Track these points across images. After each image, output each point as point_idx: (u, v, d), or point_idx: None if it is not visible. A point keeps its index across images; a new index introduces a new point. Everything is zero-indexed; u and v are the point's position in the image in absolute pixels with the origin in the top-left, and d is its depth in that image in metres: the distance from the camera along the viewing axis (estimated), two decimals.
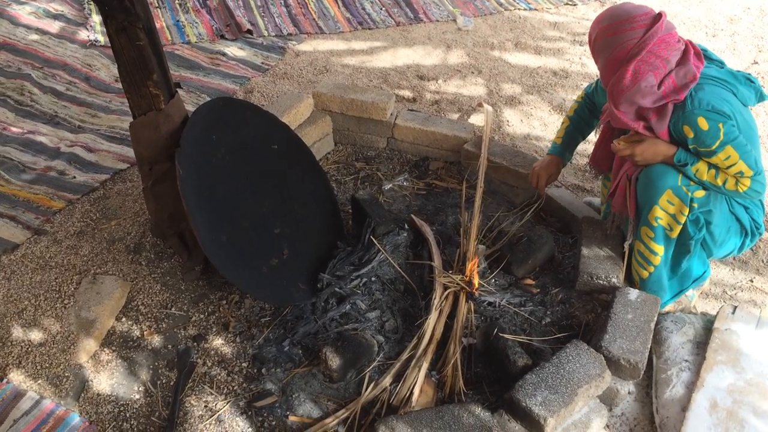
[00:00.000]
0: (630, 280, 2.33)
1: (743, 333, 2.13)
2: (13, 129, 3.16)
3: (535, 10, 4.85)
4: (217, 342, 2.20)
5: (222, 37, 4.23)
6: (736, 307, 2.21)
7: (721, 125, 1.90)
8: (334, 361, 2.01)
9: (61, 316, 2.19)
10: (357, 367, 2.09)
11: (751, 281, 2.53)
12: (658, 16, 1.94)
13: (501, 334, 2.06)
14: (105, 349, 2.14)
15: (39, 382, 1.99)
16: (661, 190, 2.06)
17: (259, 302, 2.33)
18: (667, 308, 2.32)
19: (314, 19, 4.52)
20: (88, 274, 2.36)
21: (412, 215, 2.62)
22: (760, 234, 2.20)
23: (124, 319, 2.24)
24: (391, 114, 3.09)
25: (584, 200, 2.85)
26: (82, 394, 2.01)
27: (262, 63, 3.93)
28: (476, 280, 2.30)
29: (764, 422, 1.87)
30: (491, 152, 2.84)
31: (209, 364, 2.13)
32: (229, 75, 3.77)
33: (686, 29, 4.60)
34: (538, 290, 2.38)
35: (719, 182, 1.98)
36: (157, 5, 4.53)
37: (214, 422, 1.95)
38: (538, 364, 1.94)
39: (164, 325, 2.24)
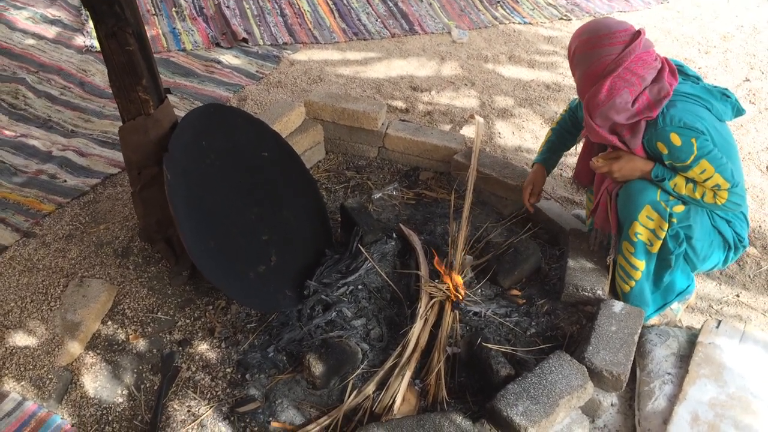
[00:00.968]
0: (615, 293, 2.35)
1: (727, 347, 2.13)
2: (6, 132, 3.17)
3: (530, 24, 4.89)
4: (202, 347, 2.20)
5: (217, 45, 4.26)
6: (720, 322, 2.22)
7: (693, 140, 1.92)
8: (318, 368, 2.01)
9: (46, 319, 2.19)
10: (341, 375, 2.09)
11: (737, 296, 2.55)
12: (637, 34, 1.97)
13: (484, 344, 2.06)
14: (89, 353, 2.14)
15: (22, 383, 1.99)
16: (640, 206, 2.08)
17: (246, 308, 2.33)
18: (651, 321, 2.34)
19: (310, 29, 4.56)
20: (76, 277, 2.37)
21: (400, 224, 2.63)
22: (744, 247, 2.22)
23: (109, 323, 2.24)
24: (383, 124, 3.11)
25: (572, 213, 2.86)
26: (65, 397, 2.01)
27: (257, 71, 3.95)
28: (461, 288, 2.30)
29: None
30: (481, 163, 2.86)
31: (193, 369, 2.13)
32: (224, 83, 3.80)
33: (679, 46, 4.64)
34: (524, 301, 2.39)
35: (697, 196, 2.00)
36: (153, 12, 4.56)
37: (196, 427, 1.95)
38: (521, 374, 1.95)
39: (150, 330, 2.24)
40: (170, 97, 2.26)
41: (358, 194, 2.96)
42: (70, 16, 4.45)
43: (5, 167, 2.92)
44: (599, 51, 1.95)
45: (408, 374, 2.04)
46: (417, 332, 2.16)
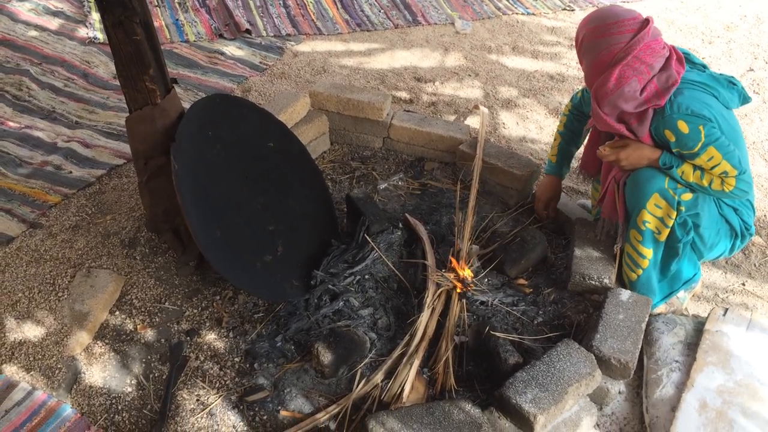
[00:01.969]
0: (622, 282, 2.35)
1: (734, 335, 2.14)
2: (11, 123, 3.17)
3: (533, 14, 4.87)
4: (210, 337, 2.20)
5: (221, 36, 4.25)
6: (727, 309, 2.23)
7: (701, 127, 1.92)
8: (326, 357, 2.01)
9: (54, 309, 2.19)
10: (349, 364, 2.10)
11: (743, 285, 2.55)
12: (646, 22, 1.96)
13: (492, 333, 2.07)
14: (98, 342, 2.14)
15: (32, 373, 2.00)
16: (648, 194, 2.08)
17: (253, 298, 2.34)
18: (658, 310, 2.34)
19: (313, 20, 4.54)
20: (83, 267, 2.37)
21: (406, 214, 2.63)
22: (751, 235, 2.22)
23: (117, 313, 2.24)
24: (388, 114, 3.11)
25: (578, 202, 2.86)
26: (75, 386, 2.01)
27: (260, 63, 3.94)
28: (467, 272, 2.30)
29: (753, 423, 1.88)
30: (486, 153, 2.85)
31: (202, 359, 2.13)
32: (227, 74, 3.79)
33: (683, 36, 4.63)
34: (531, 290, 2.40)
35: (705, 183, 2.00)
36: (156, 4, 4.54)
37: (205, 416, 1.96)
38: (529, 363, 1.95)
39: (157, 320, 2.24)
40: (174, 87, 2.26)
41: (363, 185, 2.96)
42: (73, 7, 4.43)
43: (10, 158, 2.92)
44: (608, 39, 1.95)
45: (416, 363, 2.04)
46: (424, 321, 2.17)
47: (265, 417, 1.95)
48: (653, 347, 2.15)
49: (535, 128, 3.53)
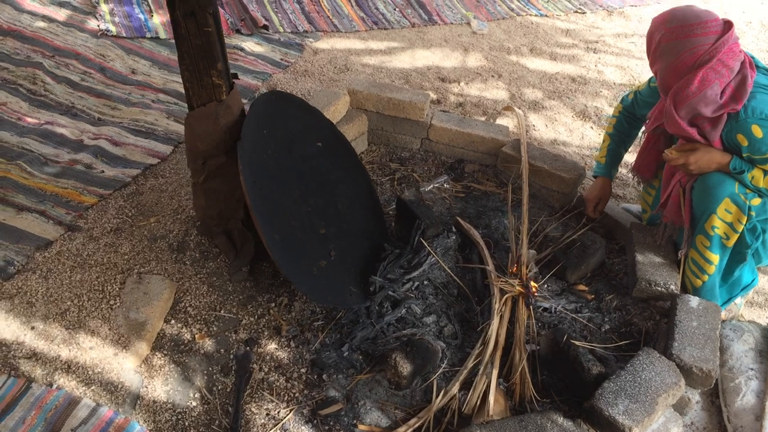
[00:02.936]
0: (684, 288, 2.32)
1: None
2: (29, 119, 3.00)
3: (546, 16, 4.86)
4: (271, 346, 2.11)
5: (237, 31, 4.12)
6: None
7: None
8: (405, 368, 1.94)
9: (108, 318, 2.07)
10: (423, 374, 2.03)
11: None
12: (730, 24, 1.94)
13: (573, 341, 2.02)
14: (157, 353, 2.03)
15: (92, 388, 1.87)
16: (719, 199, 2.05)
17: (310, 305, 2.25)
18: None
19: (329, 17, 4.44)
20: (132, 273, 2.24)
21: (458, 218, 2.57)
22: None
23: (173, 322, 2.13)
24: (427, 115, 3.04)
25: (621, 206, 2.84)
26: (138, 401, 1.90)
27: (281, 59, 3.83)
28: (534, 284, 2.26)
29: None
30: (530, 156, 2.81)
31: (266, 370, 2.04)
32: (250, 70, 3.67)
33: None
34: (593, 296, 2.36)
35: None
36: None
37: (278, 431, 1.86)
38: (614, 372, 1.91)
39: (215, 328, 2.14)
40: (235, 82, 2.15)
41: (405, 186, 2.89)
42: None
43: (34, 156, 2.75)
44: (692, 41, 1.91)
45: (495, 373, 1.98)
46: (495, 329, 2.11)
47: (341, 431, 1.87)
48: (725, 355, 2.13)
49: (564, 131, 3.50)
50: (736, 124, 1.96)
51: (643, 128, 2.47)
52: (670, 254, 2.35)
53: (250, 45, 3.94)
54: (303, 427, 1.88)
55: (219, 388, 1.98)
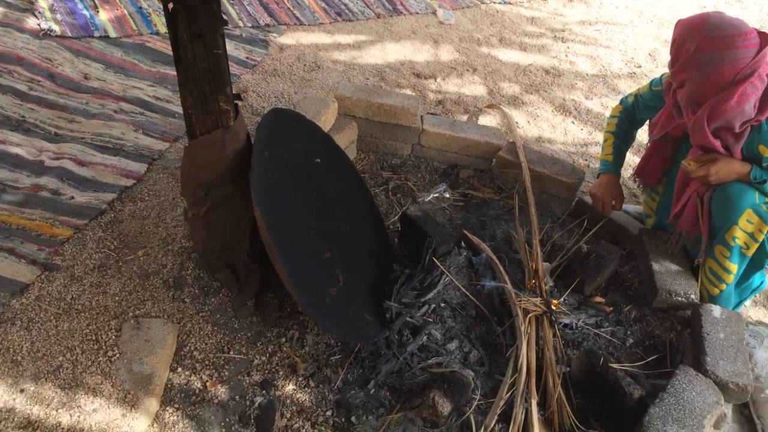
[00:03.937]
0: (700, 297, 2.31)
1: None
2: None
3: (510, 3, 4.77)
4: (289, 388, 1.95)
5: None
6: None
7: None
8: (445, 407, 1.83)
9: (108, 372, 1.84)
10: (457, 409, 1.92)
11: None
12: (765, 36, 1.89)
13: (611, 365, 1.96)
14: (167, 409, 1.83)
15: None
16: (741, 210, 2.03)
17: (324, 338, 2.10)
18: None
19: (289, 8, 4.19)
20: (127, 317, 2.01)
21: (465, 231, 2.46)
22: None
23: (180, 369, 1.93)
24: (418, 119, 2.90)
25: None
26: None
27: (247, 58, 3.58)
28: (555, 301, 2.19)
29: None
30: (528, 160, 2.73)
31: (288, 416, 1.88)
32: None
33: None
34: (611, 308, 2.31)
35: None
36: None
37: None
38: (656, 395, 1.86)
39: (226, 373, 1.95)
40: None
41: (401, 196, 2.75)
42: None
43: None
44: (733, 53, 1.85)
45: (534, 402, 1.90)
46: (525, 354, 2.02)
47: None
48: (749, 364, 2.12)
49: (547, 127, 3.44)
50: (759, 135, 1.95)
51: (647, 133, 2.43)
52: (683, 261, 2.33)
53: None
54: None
55: None
